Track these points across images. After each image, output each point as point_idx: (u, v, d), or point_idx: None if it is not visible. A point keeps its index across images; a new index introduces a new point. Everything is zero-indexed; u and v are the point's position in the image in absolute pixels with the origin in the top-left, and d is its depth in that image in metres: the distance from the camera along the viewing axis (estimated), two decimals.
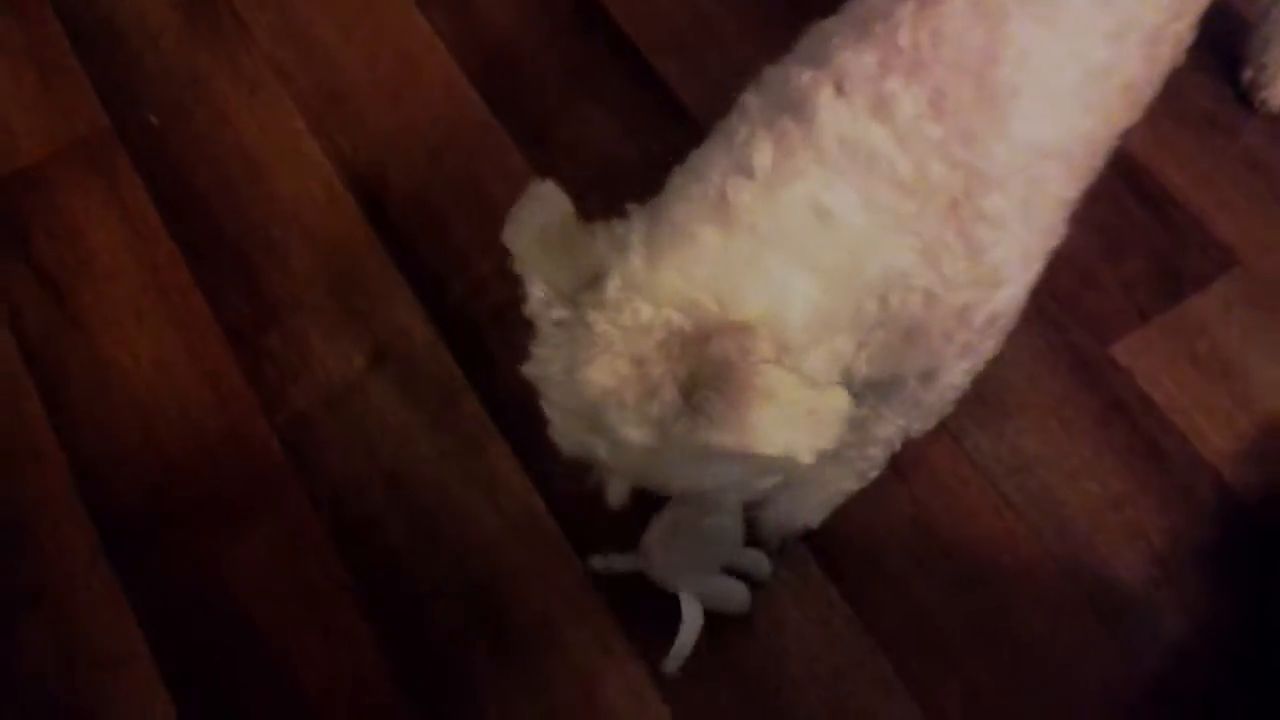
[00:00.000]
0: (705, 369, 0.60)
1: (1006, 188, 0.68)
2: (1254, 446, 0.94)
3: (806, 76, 0.67)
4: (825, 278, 0.65)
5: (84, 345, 1.05)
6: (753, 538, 0.89)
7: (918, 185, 0.65)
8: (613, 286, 0.63)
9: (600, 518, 0.82)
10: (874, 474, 0.90)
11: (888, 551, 0.92)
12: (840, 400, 0.63)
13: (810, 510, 0.90)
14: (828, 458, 0.84)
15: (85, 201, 1.13)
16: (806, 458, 0.62)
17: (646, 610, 0.88)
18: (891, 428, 0.85)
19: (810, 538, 0.91)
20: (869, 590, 0.91)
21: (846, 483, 0.90)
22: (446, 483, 0.97)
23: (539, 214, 0.66)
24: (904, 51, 0.66)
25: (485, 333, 1.04)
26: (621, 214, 0.67)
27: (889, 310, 0.69)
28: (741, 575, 0.89)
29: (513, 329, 1.01)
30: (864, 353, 0.71)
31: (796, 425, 0.61)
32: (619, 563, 0.90)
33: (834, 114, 0.65)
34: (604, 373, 0.62)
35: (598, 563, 0.91)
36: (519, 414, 1.00)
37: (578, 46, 1.20)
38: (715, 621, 0.87)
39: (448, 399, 1.01)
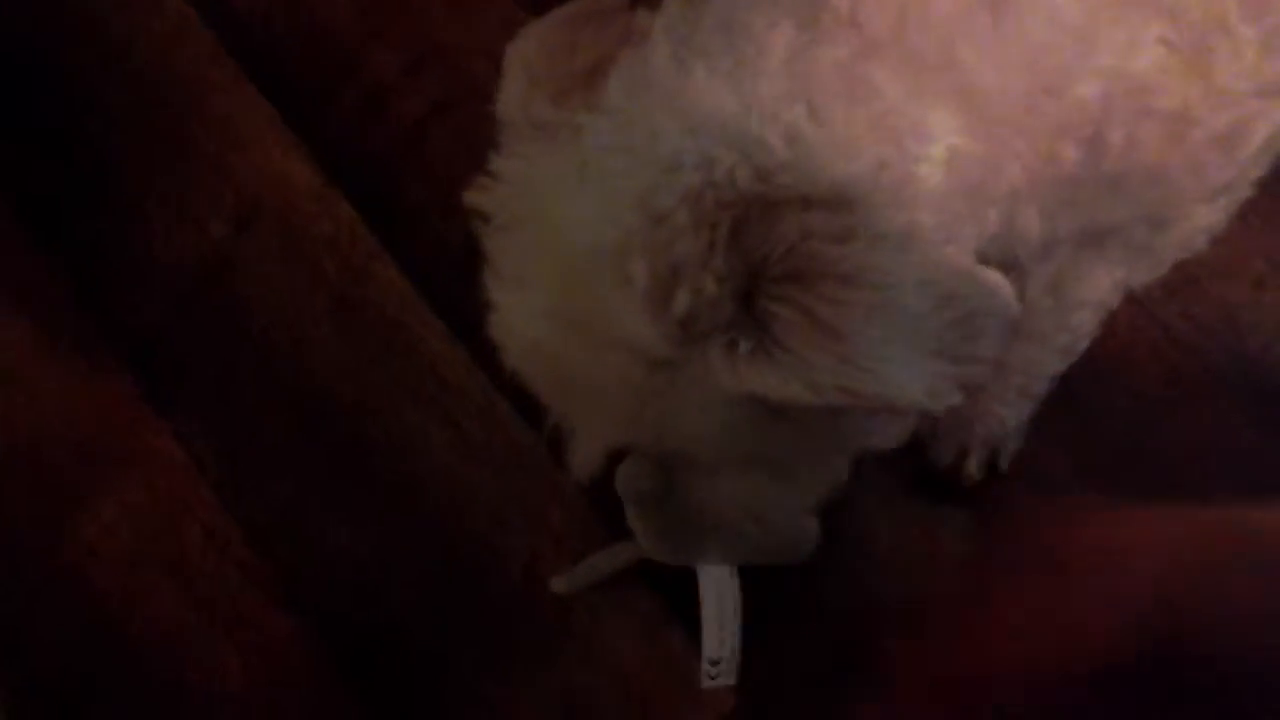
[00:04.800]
0: (775, 261, 0.38)
1: None
2: None
3: None
4: (986, 111, 0.42)
5: None
6: None
7: None
8: (616, 87, 0.43)
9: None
10: (1083, 346, 0.62)
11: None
12: (1005, 295, 0.41)
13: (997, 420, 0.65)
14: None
15: None
16: (950, 399, 0.41)
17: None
18: (1105, 283, 0.58)
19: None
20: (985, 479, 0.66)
21: (1046, 365, 0.63)
22: (367, 387, 0.72)
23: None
24: None
25: (395, 164, 0.77)
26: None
27: (1107, 157, 0.45)
28: None
29: (435, 153, 0.74)
30: (1044, 210, 0.47)
31: (934, 352, 0.40)
32: (595, 566, 0.66)
33: None
34: (598, 216, 0.42)
35: (564, 582, 0.67)
36: (455, 277, 0.71)
37: None
38: None
39: (354, 268, 0.74)
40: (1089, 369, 0.68)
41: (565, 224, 0.43)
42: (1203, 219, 0.56)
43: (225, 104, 0.77)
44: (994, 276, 0.41)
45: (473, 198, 0.46)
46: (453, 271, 0.73)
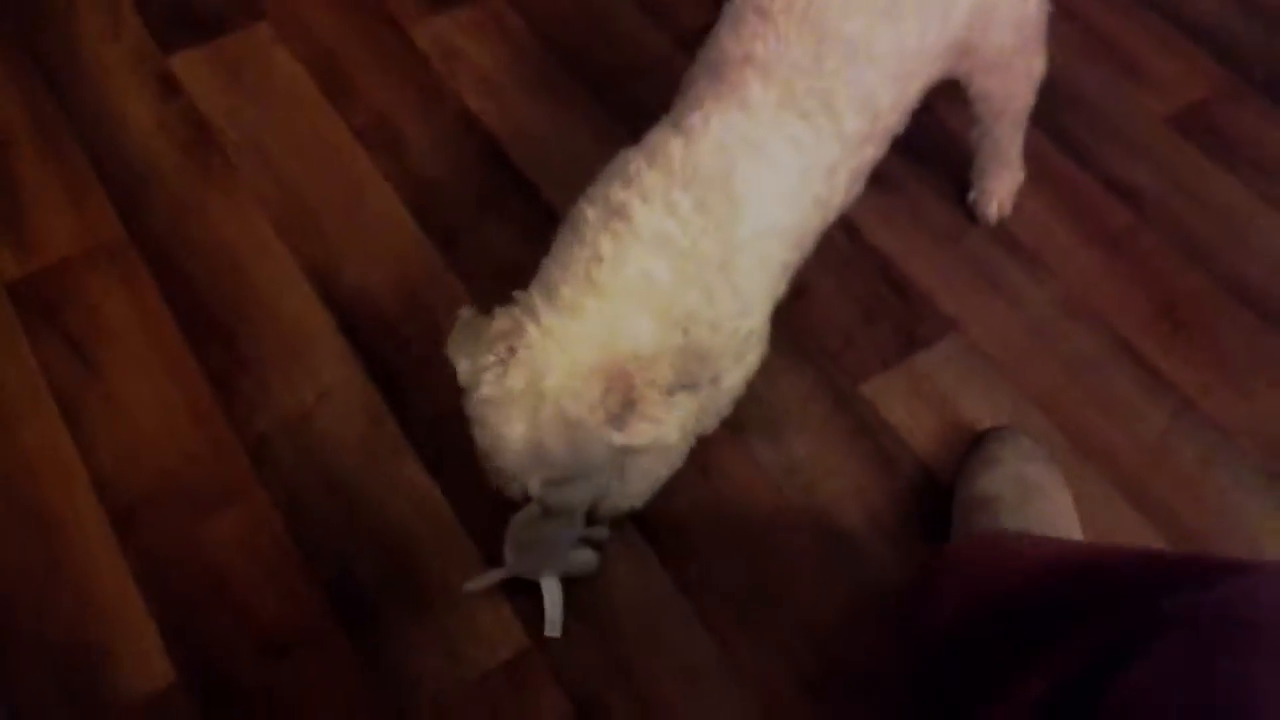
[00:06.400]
0: (631, 399, 0.94)
1: (749, 252, 1.01)
2: (955, 453, 1.30)
3: (622, 194, 1.00)
4: (657, 320, 0.98)
5: (101, 391, 1.38)
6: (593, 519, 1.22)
7: (696, 255, 0.98)
8: (533, 333, 0.94)
9: (482, 504, 1.17)
10: (679, 464, 1.22)
11: (693, 526, 1.26)
12: (691, 402, 0.97)
13: (635, 496, 1.23)
14: (647, 450, 1.19)
15: (104, 288, 1.48)
16: (683, 442, 1.02)
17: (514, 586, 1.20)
18: (692, 421, 1.18)
19: (639, 520, 1.24)
20: (678, 553, 1.24)
21: (660, 471, 1.19)
22: (370, 481, 1.30)
23: (460, 325, 0.99)
24: (677, 173, 1.00)
25: (405, 378, 1.38)
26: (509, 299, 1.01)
27: (688, 339, 1.01)
28: (589, 542, 1.22)
29: (425, 376, 1.39)
30: (673, 369, 1.03)
31: (682, 426, 0.97)
32: (487, 578, 1.18)
33: (644, 215, 0.98)
34: (558, 380, 0.93)
35: (471, 585, 1.18)
36: (427, 434, 1.34)
37: (485, 178, 1.59)
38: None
39: (374, 424, 1.35)
40: (740, 501, 1.29)
41: (548, 383, 0.92)
42: (732, 381, 1.10)
43: (323, 340, 1.43)
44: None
45: (481, 396, 0.94)
46: (426, 428, 1.37)
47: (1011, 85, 1.32)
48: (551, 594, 1.18)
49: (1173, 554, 0.80)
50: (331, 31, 1.77)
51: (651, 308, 0.98)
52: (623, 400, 0.93)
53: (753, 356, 1.14)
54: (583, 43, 1.74)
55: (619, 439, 0.94)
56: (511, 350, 0.95)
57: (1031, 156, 1.52)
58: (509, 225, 1.53)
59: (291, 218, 1.55)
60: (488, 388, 0.95)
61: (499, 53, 1.74)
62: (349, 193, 1.58)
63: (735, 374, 1.14)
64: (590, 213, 1.01)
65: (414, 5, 1.81)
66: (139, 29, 1.78)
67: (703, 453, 1.26)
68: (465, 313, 1.00)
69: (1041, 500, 1.17)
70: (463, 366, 0.97)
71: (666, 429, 0.94)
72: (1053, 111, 1.60)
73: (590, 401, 0.93)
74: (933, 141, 1.56)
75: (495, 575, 1.20)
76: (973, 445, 1.25)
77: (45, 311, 1.46)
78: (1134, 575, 0.78)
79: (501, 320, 0.97)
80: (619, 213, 0.99)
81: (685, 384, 1.06)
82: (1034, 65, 1.33)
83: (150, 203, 1.57)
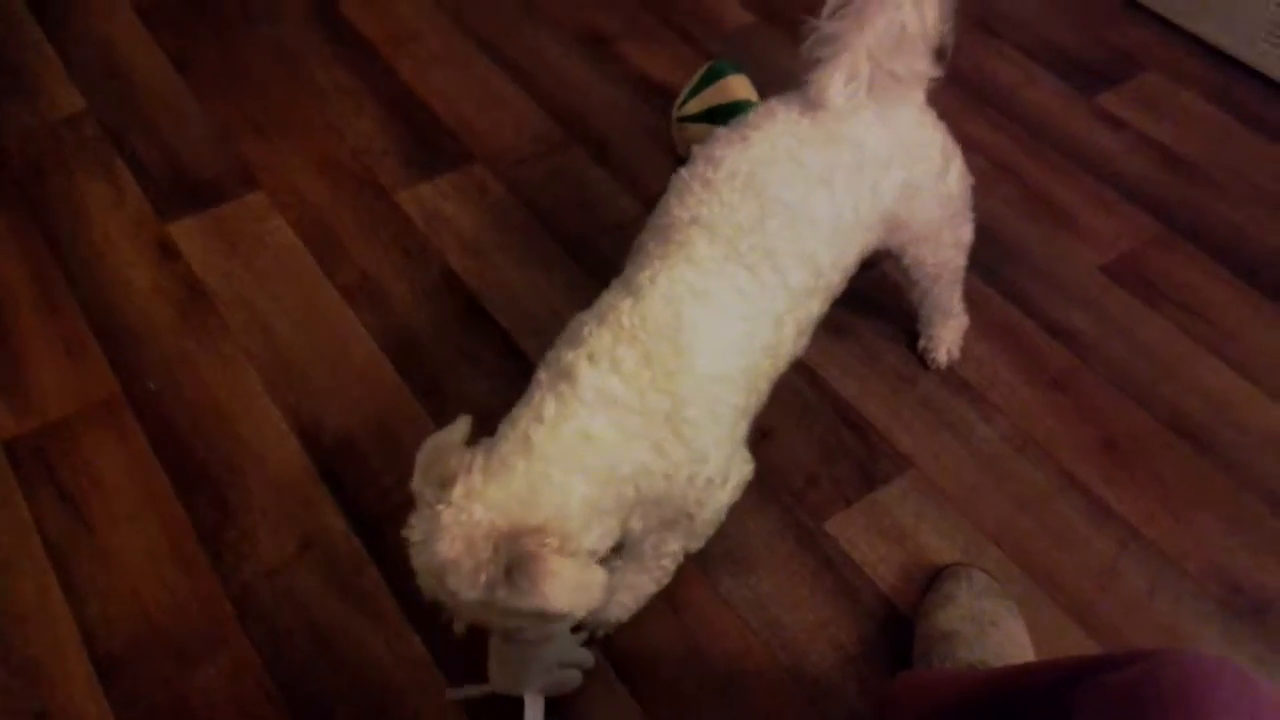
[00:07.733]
0: (517, 559, 0.92)
1: (697, 402, 1.05)
2: (916, 585, 1.36)
3: (570, 355, 1.04)
4: (594, 480, 0.99)
5: (92, 541, 1.43)
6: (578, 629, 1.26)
7: (642, 409, 1.02)
8: (458, 492, 0.96)
9: (459, 649, 1.21)
10: (666, 581, 1.26)
11: (665, 662, 1.30)
12: (600, 574, 0.95)
13: (621, 608, 1.27)
14: (632, 569, 1.24)
15: (98, 443, 1.54)
16: (580, 613, 0.97)
17: (493, 707, 1.24)
18: (675, 545, 1.21)
19: (611, 655, 1.29)
20: (650, 689, 1.28)
21: (648, 587, 1.26)
22: (351, 628, 1.34)
23: (439, 437, 1.00)
24: (626, 328, 1.05)
25: (384, 527, 1.44)
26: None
27: (641, 492, 1.04)
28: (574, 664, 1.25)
29: (405, 523, 1.44)
30: (635, 516, 1.09)
31: (573, 593, 0.94)
32: (469, 690, 1.22)
33: (588, 376, 1.02)
34: (446, 547, 0.94)
35: (451, 694, 1.23)
36: (407, 580, 1.38)
37: (465, 331, 1.68)
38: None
39: (355, 572, 1.40)
40: (709, 637, 1.34)
41: (436, 549, 0.93)
42: (706, 514, 1.12)
43: (306, 488, 1.49)
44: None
45: (405, 532, 0.97)
46: (405, 575, 1.42)
47: (942, 253, 1.41)
48: (533, 707, 1.19)
49: (1084, 655, 0.87)
50: (322, 198, 1.89)
51: (587, 468, 0.99)
52: (510, 562, 0.92)
53: (731, 486, 1.17)
54: (557, 205, 1.87)
55: (506, 600, 0.94)
56: (439, 499, 0.96)
57: (977, 304, 1.63)
58: (487, 376, 1.62)
59: (279, 373, 1.63)
60: (411, 529, 0.98)
61: (479, 215, 1.85)
62: (335, 347, 1.67)
63: (709, 507, 1.16)
64: (543, 375, 1.06)
65: (400, 172, 1.94)
66: (139, 199, 1.89)
67: (673, 590, 1.32)
68: (459, 421, 1.02)
69: (996, 633, 1.23)
70: (414, 486, 1.00)
71: (555, 593, 0.92)
72: (996, 263, 1.72)
73: (473, 567, 0.94)
74: (884, 292, 1.67)
75: (478, 689, 1.22)
76: (931, 582, 1.31)
77: (41, 468, 1.52)
78: (1059, 673, 0.83)
79: (457, 461, 0.99)
80: (566, 375, 1.02)
81: (650, 527, 1.13)
82: (961, 233, 1.43)
83: (144, 360, 1.65)
